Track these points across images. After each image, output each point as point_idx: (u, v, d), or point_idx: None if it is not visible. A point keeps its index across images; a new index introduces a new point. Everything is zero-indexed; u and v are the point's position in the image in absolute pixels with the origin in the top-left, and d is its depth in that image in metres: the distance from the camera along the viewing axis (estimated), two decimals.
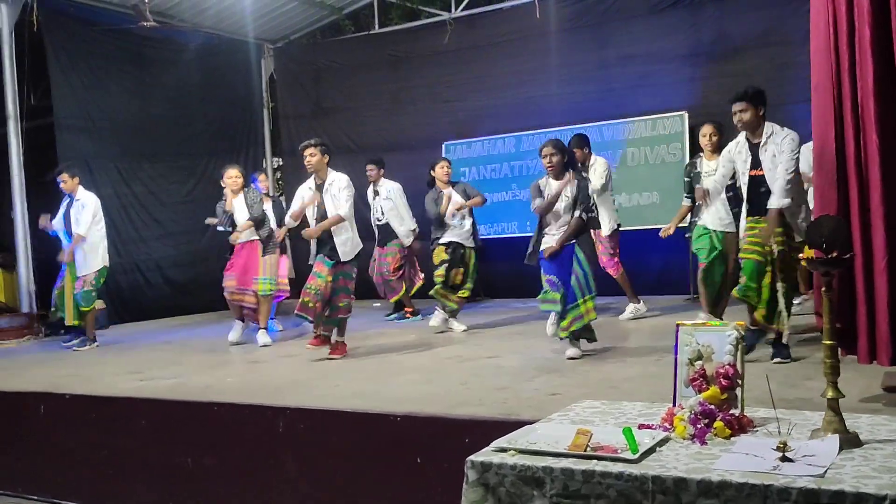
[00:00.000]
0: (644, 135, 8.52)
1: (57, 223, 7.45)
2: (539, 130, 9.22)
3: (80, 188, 7.44)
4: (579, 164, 6.67)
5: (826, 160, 3.46)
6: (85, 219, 7.27)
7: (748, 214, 4.84)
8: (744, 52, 8.30)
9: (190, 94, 10.32)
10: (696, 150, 8.14)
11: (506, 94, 9.60)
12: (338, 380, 5.08)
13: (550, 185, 5.41)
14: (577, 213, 5.31)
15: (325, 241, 5.89)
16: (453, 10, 10.09)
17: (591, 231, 6.88)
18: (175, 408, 4.71)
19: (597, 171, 6.93)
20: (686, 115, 8.35)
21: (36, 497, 5.09)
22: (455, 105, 10.03)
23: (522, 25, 9.49)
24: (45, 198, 9.36)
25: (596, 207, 6.74)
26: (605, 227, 6.96)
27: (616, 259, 7.04)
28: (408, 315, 8.15)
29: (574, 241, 5.31)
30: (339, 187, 5.90)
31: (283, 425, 4.22)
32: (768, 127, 4.68)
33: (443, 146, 9.66)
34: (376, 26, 10.88)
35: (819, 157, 3.53)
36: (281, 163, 11.82)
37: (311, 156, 5.92)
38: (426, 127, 10.07)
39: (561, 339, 5.35)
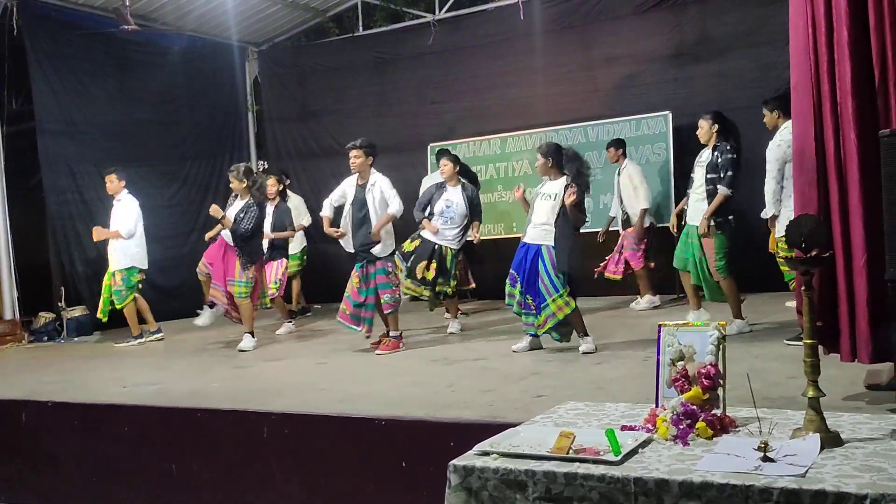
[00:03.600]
0: (628, 135, 8.52)
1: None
2: (524, 132, 9.23)
3: (125, 191, 7.75)
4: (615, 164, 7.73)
5: (806, 159, 3.47)
6: (128, 218, 7.63)
7: None
8: (727, 53, 8.33)
9: (173, 97, 10.26)
10: (681, 150, 8.20)
11: (490, 95, 9.60)
12: (323, 384, 5.07)
13: (545, 183, 5.65)
14: (564, 218, 5.42)
15: (362, 241, 6.11)
16: (437, 11, 10.08)
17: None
18: (159, 414, 4.68)
19: (633, 178, 7.63)
20: (670, 115, 8.37)
21: None
22: (440, 107, 10.01)
23: (507, 27, 9.50)
24: (28, 203, 9.29)
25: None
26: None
27: (641, 253, 7.56)
28: None
29: (543, 243, 5.45)
30: (381, 188, 6.16)
31: (268, 430, 4.20)
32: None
33: (428, 148, 9.65)
34: (360, 28, 10.85)
35: (799, 157, 3.54)
36: (266, 166, 11.75)
37: (356, 157, 6.17)
38: (411, 129, 10.06)
39: (538, 336, 5.59)
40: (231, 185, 6.98)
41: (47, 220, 8.86)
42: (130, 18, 8.76)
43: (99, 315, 7.74)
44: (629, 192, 7.67)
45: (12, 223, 8.43)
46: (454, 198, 6.83)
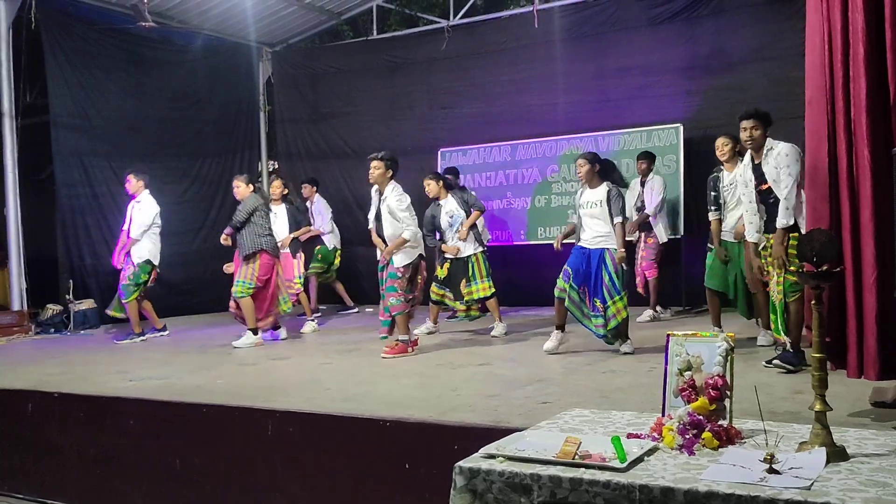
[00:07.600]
0: (639, 146, 8.54)
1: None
2: (535, 139, 9.26)
3: (145, 192, 7.71)
4: (640, 176, 7.74)
5: (819, 175, 3.49)
6: (141, 220, 7.56)
7: (765, 231, 4.96)
8: (740, 67, 8.35)
9: (187, 95, 10.32)
10: (690, 161, 8.22)
11: (502, 102, 9.64)
12: (329, 383, 5.08)
13: (584, 194, 5.81)
14: (617, 220, 5.63)
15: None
16: (452, 17, 10.13)
17: (643, 235, 7.64)
18: (164, 408, 4.69)
19: (654, 188, 7.63)
20: (681, 128, 8.39)
21: (22, 496, 5.06)
22: (451, 112, 10.06)
23: (520, 34, 9.54)
24: (39, 195, 9.35)
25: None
26: (662, 236, 7.65)
27: (656, 264, 7.63)
28: None
29: (605, 247, 5.63)
30: (390, 205, 6.04)
31: (272, 428, 4.21)
32: (768, 143, 4.82)
33: (438, 153, 9.69)
34: (374, 32, 10.92)
35: (812, 172, 3.56)
36: (276, 166, 11.81)
37: (376, 168, 6.13)
38: (422, 133, 10.10)
39: (602, 336, 5.66)
40: (237, 190, 7.06)
41: (57, 213, 8.92)
42: (148, 15, 8.83)
43: (112, 312, 7.80)
44: (650, 201, 7.72)
45: (23, 215, 8.49)
46: (451, 207, 7.14)
